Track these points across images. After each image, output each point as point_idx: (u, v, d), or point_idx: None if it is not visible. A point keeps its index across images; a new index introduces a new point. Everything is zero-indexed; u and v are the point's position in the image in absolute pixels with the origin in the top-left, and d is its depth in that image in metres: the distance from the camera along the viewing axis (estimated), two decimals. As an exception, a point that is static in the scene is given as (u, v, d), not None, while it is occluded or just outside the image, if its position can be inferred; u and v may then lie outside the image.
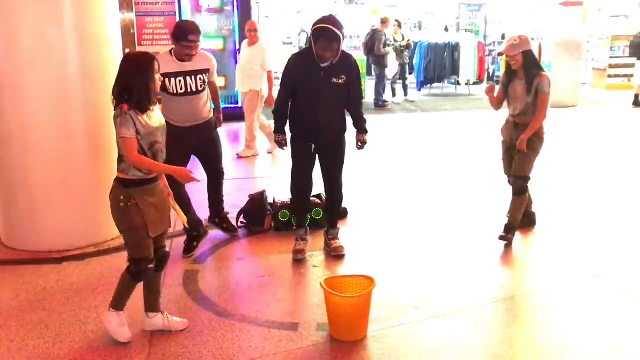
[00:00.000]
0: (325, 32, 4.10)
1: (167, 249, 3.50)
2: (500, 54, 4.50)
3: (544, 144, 4.72)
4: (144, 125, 3.17)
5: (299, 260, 4.53)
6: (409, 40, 12.93)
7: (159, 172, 3.29)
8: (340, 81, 4.28)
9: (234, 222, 5.12)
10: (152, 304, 3.48)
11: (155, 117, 3.28)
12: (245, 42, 8.00)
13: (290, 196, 4.81)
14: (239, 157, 7.96)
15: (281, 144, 4.51)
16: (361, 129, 4.51)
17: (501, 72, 15.11)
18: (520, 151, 4.64)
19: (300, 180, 4.57)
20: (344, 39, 4.20)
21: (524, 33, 4.75)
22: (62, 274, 4.31)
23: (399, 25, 12.82)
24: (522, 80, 4.61)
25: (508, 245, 4.76)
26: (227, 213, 5.00)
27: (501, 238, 4.76)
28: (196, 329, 3.53)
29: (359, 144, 4.50)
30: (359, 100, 4.58)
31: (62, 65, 4.47)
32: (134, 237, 3.25)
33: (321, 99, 4.29)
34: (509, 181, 4.88)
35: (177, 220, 4.66)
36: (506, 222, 4.82)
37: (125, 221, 3.22)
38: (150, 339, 3.40)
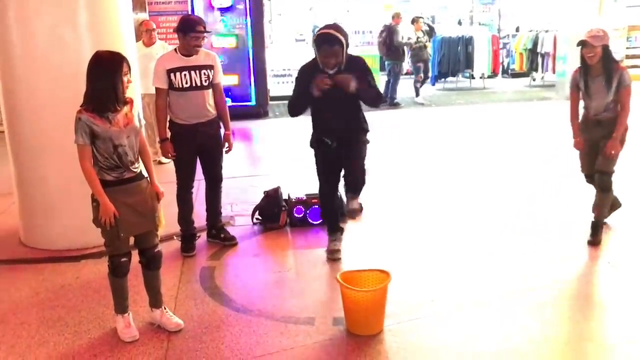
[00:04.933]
0: (326, 36, 4.00)
1: (158, 249, 3.49)
2: (580, 44, 4.20)
3: (627, 133, 4.53)
4: (103, 128, 3.14)
5: (334, 259, 4.43)
6: (432, 30, 12.62)
7: (94, 191, 3.19)
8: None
9: (247, 219, 5.13)
10: (151, 300, 3.55)
11: (121, 119, 3.21)
12: (140, 42, 7.18)
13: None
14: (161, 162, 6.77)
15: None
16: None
17: (516, 65, 15.06)
18: (609, 152, 4.42)
19: (323, 184, 4.44)
20: (347, 44, 4.04)
21: (604, 28, 4.54)
22: (80, 272, 4.36)
23: (417, 22, 12.35)
24: (598, 78, 4.40)
25: (595, 245, 4.56)
26: (223, 224, 4.96)
27: (590, 243, 4.58)
28: (213, 325, 3.56)
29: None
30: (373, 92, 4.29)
31: (77, 65, 4.46)
32: (105, 235, 3.30)
33: (332, 107, 4.16)
34: (587, 180, 4.74)
35: (197, 217, 4.75)
36: (592, 221, 4.65)
37: (96, 220, 3.25)
38: (168, 335, 3.44)
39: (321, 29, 4.14)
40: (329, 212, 4.61)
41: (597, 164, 4.58)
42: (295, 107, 4.32)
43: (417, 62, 12.35)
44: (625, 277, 4.09)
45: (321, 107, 4.24)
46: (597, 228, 4.64)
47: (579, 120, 4.67)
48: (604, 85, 4.38)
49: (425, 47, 12.23)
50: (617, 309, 3.67)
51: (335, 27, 4.11)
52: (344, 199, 4.62)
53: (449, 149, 8.14)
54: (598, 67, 4.39)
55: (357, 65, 4.23)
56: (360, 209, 4.60)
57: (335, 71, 4.08)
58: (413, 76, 12.73)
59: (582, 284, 4.07)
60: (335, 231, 4.59)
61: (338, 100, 4.15)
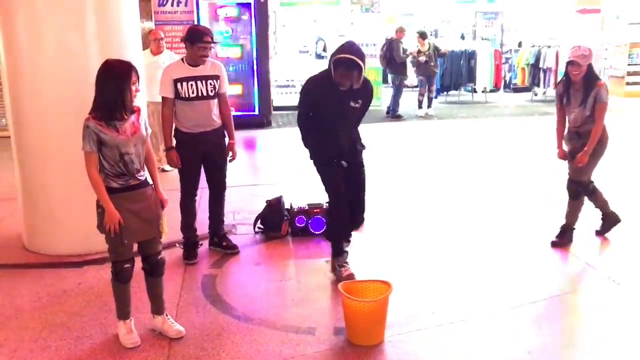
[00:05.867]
0: (345, 62, 4.03)
1: (162, 256, 3.51)
2: (569, 63, 4.46)
3: (606, 147, 4.76)
4: (110, 136, 3.17)
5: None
6: (445, 50, 12.56)
7: (100, 198, 3.23)
8: (357, 105, 4.27)
9: (248, 228, 5.16)
10: (153, 307, 3.57)
11: (129, 128, 3.24)
12: (147, 51, 7.23)
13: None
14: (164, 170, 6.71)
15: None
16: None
17: (518, 80, 15.14)
18: (580, 164, 4.65)
19: (334, 183, 4.30)
20: (365, 66, 4.10)
21: (589, 46, 4.74)
22: (83, 277, 4.38)
23: (422, 37, 12.22)
24: (579, 92, 4.62)
25: (562, 247, 4.81)
26: (226, 232, 4.97)
27: (552, 243, 4.85)
28: (214, 332, 3.57)
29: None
30: (359, 121, 4.53)
31: (84, 72, 4.53)
32: (109, 241, 3.32)
33: (342, 122, 4.25)
34: None
35: (200, 225, 4.78)
36: (562, 224, 4.89)
37: (101, 226, 3.28)
38: (169, 342, 3.45)
39: (340, 51, 4.11)
40: (343, 229, 4.42)
41: (569, 172, 4.84)
42: (306, 125, 4.36)
43: (419, 75, 12.39)
44: (626, 293, 4.11)
45: (333, 124, 4.26)
46: (565, 232, 4.89)
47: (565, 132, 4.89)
48: (582, 99, 4.61)
49: (426, 62, 12.10)
50: (617, 323, 3.68)
51: (355, 51, 4.08)
52: None
53: (450, 162, 8.17)
54: (580, 83, 4.61)
55: (366, 90, 4.32)
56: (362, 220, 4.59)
57: (349, 88, 4.15)
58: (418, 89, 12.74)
59: (583, 298, 4.08)
60: (341, 253, 4.36)
61: (349, 117, 4.27)
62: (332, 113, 4.22)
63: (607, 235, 5.03)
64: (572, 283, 4.29)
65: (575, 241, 4.92)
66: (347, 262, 4.35)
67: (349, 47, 4.14)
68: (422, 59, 11.98)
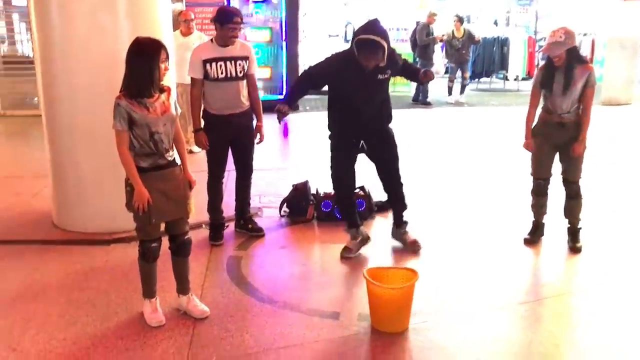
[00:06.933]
0: (368, 43, 3.94)
1: (188, 236, 3.52)
2: (544, 52, 4.27)
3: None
4: (141, 115, 3.17)
5: (346, 257, 4.41)
6: (478, 37, 12.25)
7: (130, 177, 3.23)
8: (385, 76, 4.20)
9: (274, 211, 5.16)
10: (178, 287, 3.59)
11: (159, 107, 3.25)
12: (177, 32, 7.25)
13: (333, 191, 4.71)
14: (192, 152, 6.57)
15: (280, 112, 4.14)
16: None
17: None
18: (577, 156, 4.42)
19: (340, 172, 4.44)
20: (389, 45, 3.99)
21: (569, 26, 4.36)
22: (110, 255, 4.43)
23: (460, 21, 12.02)
24: (561, 76, 4.31)
25: (577, 252, 4.54)
26: (251, 215, 4.96)
27: (572, 249, 4.56)
28: (239, 314, 3.58)
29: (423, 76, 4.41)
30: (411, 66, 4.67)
31: (115, 52, 4.52)
32: (137, 220, 3.33)
33: (366, 97, 4.19)
34: (539, 183, 4.66)
35: (226, 207, 4.79)
36: (568, 227, 4.64)
37: (129, 204, 3.29)
38: (194, 321, 3.47)
39: (361, 31, 4.02)
40: (343, 196, 4.57)
41: (564, 174, 4.56)
42: (307, 80, 4.44)
43: (451, 62, 12.20)
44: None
45: (355, 103, 4.21)
46: (576, 233, 4.62)
47: (536, 123, 4.58)
48: (566, 83, 4.28)
49: (459, 49, 11.83)
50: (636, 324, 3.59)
51: (377, 30, 3.98)
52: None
53: (480, 150, 8.05)
54: (563, 67, 4.29)
55: (395, 60, 4.25)
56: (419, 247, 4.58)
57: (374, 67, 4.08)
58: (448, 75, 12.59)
59: (612, 293, 3.96)
60: (352, 226, 4.51)
61: (376, 91, 4.22)
62: (355, 90, 4.16)
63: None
64: (601, 278, 4.18)
65: (606, 235, 4.79)
66: (355, 237, 4.47)
67: (372, 27, 4.02)
68: (456, 43, 11.78)
